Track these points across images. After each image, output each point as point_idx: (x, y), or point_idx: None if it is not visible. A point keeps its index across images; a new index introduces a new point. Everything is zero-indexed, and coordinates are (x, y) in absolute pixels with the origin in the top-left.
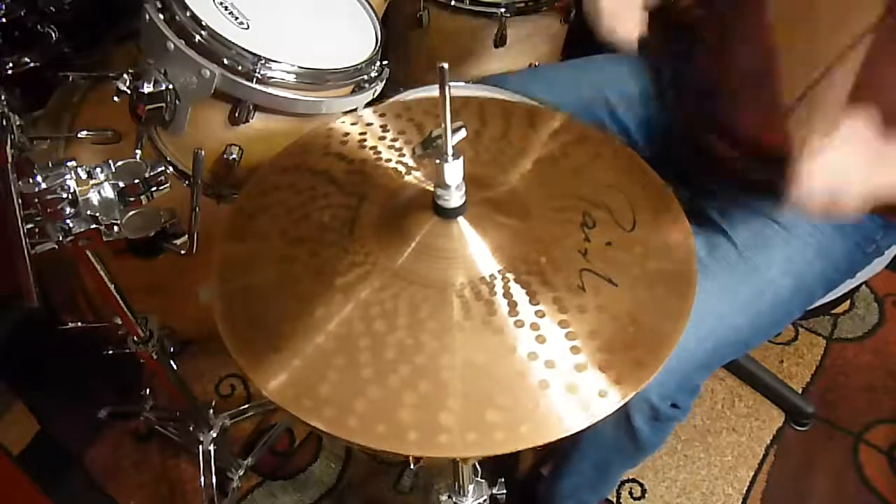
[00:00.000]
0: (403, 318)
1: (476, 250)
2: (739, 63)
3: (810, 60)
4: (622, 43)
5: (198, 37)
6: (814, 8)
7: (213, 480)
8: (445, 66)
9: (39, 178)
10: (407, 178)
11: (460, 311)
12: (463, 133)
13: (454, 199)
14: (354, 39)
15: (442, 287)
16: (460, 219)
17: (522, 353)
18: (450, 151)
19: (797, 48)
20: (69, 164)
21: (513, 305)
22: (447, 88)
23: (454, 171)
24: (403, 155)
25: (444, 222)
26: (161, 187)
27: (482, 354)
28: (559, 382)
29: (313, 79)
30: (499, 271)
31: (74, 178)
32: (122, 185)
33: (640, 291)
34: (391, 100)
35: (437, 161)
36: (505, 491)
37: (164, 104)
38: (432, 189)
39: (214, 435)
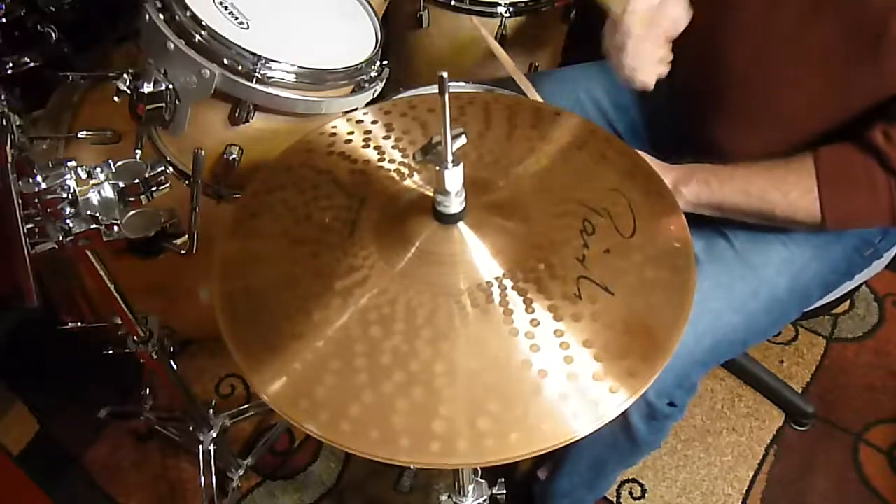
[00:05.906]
0: (400, 323)
1: (475, 256)
2: (718, 82)
3: None
4: (640, 87)
5: (198, 37)
6: None
7: (213, 480)
8: (445, 74)
9: (39, 178)
10: (409, 180)
11: (456, 318)
12: (463, 140)
13: (454, 205)
14: (354, 39)
15: (439, 293)
16: (460, 224)
17: (516, 362)
18: (450, 158)
19: None
20: (69, 164)
21: (508, 313)
22: (447, 96)
23: (454, 177)
24: (407, 156)
25: (443, 228)
26: (161, 187)
27: (476, 362)
28: (552, 392)
29: (313, 79)
30: (496, 278)
31: (74, 178)
32: (122, 185)
33: (637, 301)
34: (395, 97)
35: (437, 168)
36: (504, 491)
37: (164, 104)
38: (432, 194)
39: (214, 435)
